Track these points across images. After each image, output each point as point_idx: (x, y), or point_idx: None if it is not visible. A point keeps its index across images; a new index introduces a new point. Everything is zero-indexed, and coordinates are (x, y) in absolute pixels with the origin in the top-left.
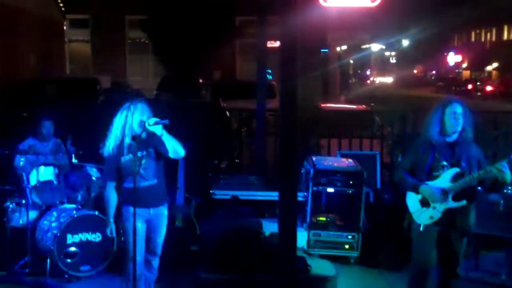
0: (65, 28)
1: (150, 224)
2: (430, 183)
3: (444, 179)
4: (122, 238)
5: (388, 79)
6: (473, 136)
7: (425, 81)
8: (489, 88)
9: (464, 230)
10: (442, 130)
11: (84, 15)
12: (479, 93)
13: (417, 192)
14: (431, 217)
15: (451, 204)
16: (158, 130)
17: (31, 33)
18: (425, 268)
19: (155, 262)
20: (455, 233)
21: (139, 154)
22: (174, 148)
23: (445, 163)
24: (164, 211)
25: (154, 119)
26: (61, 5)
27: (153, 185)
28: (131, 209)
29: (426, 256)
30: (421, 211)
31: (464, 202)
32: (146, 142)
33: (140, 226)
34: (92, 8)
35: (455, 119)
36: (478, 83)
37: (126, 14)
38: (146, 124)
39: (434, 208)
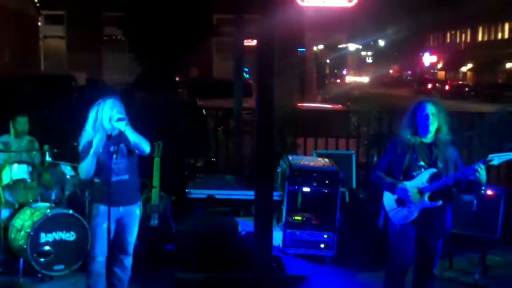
0: (40, 24)
1: (121, 223)
2: (407, 183)
3: (421, 179)
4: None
5: (364, 79)
6: (449, 136)
7: (400, 81)
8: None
9: (440, 230)
10: (416, 131)
11: (60, 11)
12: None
13: (394, 192)
14: (406, 217)
15: (427, 204)
16: (121, 126)
17: (5, 29)
18: (401, 267)
19: (128, 261)
20: (431, 232)
21: (111, 149)
22: (137, 144)
23: (422, 163)
24: (136, 210)
25: (117, 115)
26: (35, 0)
27: (124, 180)
28: (101, 207)
29: (402, 255)
30: (397, 210)
31: (439, 203)
32: (118, 137)
33: (105, 226)
34: (68, 3)
35: (427, 120)
36: (437, 84)
37: (102, 10)
38: (112, 120)
39: (410, 207)
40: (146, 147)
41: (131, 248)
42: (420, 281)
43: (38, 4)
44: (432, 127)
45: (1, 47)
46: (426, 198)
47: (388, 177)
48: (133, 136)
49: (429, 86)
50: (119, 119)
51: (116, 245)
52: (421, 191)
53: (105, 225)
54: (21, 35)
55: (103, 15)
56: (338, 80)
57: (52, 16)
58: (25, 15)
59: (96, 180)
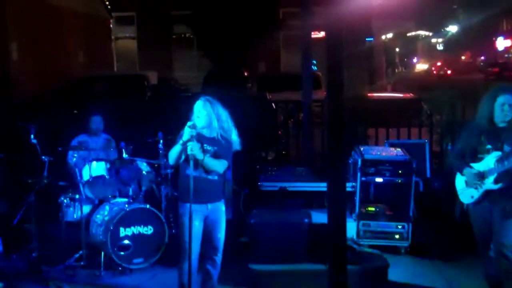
0: (111, 25)
1: (209, 220)
2: (475, 165)
3: (487, 162)
4: (174, 231)
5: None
6: None
7: (473, 67)
8: None
9: (508, 210)
10: (492, 118)
11: (130, 12)
12: None
13: (462, 174)
14: (472, 197)
15: (491, 186)
16: (200, 155)
17: (79, 32)
18: (481, 244)
19: (218, 258)
20: (496, 213)
21: (209, 147)
22: (214, 170)
23: (489, 146)
24: (221, 206)
25: (191, 122)
26: (107, 3)
27: (212, 180)
28: (188, 204)
29: (478, 233)
30: (463, 190)
31: (501, 185)
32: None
33: (198, 224)
34: (137, 4)
35: (507, 110)
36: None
37: (170, 9)
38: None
39: (476, 188)
40: (220, 169)
41: (221, 245)
42: (495, 260)
43: (109, 7)
44: (508, 118)
45: (76, 49)
46: (491, 180)
47: (459, 160)
48: (210, 164)
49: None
50: (190, 126)
51: (206, 242)
52: (486, 174)
53: (196, 223)
54: (94, 37)
55: (172, 14)
56: (409, 69)
57: (123, 18)
58: (97, 17)
59: (186, 172)
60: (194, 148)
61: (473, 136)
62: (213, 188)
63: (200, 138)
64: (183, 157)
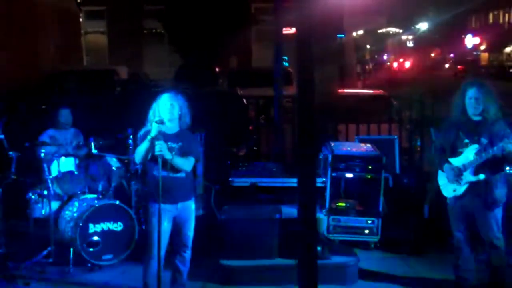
0: (81, 20)
1: (179, 219)
2: (456, 159)
3: (466, 155)
4: (143, 226)
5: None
6: (499, 114)
7: (442, 64)
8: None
9: (490, 201)
10: (465, 111)
11: (100, 6)
12: None
13: (442, 170)
14: (454, 190)
15: (470, 178)
16: (168, 155)
17: (49, 26)
18: (460, 240)
19: (188, 254)
20: (478, 206)
21: (173, 145)
22: (181, 167)
23: (467, 140)
24: (191, 205)
25: (157, 117)
26: None
27: (181, 178)
28: (157, 205)
29: (457, 229)
30: (446, 185)
31: (481, 176)
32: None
33: (166, 224)
34: None
35: (474, 103)
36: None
37: (141, 4)
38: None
39: (457, 182)
40: (188, 168)
41: (190, 242)
42: (483, 253)
43: (79, 1)
44: (478, 110)
45: (45, 43)
46: (469, 172)
47: (438, 156)
48: (178, 163)
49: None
50: (157, 121)
51: (175, 239)
52: (465, 167)
53: (165, 223)
54: (63, 31)
55: (143, 8)
56: (378, 65)
57: (93, 12)
58: (67, 11)
59: (154, 173)
60: (162, 148)
61: (451, 131)
62: (183, 187)
63: (165, 137)
64: (149, 155)
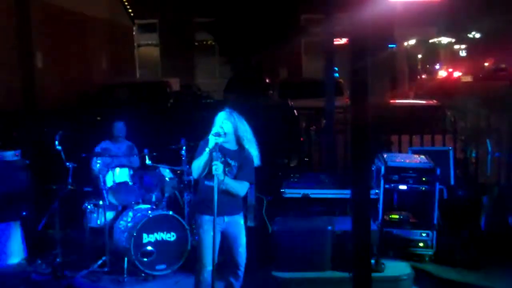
0: (134, 33)
1: (227, 233)
2: None
3: None
4: (196, 237)
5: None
6: None
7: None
8: None
9: None
10: None
11: (152, 20)
12: None
13: None
14: None
15: None
16: (221, 176)
17: (102, 39)
18: None
19: (241, 271)
20: None
21: (231, 162)
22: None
23: None
24: (240, 220)
25: (215, 130)
26: (130, 10)
27: (230, 192)
28: (206, 217)
29: None
30: None
31: None
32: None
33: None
34: (160, 12)
35: None
36: None
37: (192, 16)
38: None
39: None
40: (242, 193)
41: (242, 259)
42: None
43: (132, 14)
44: None
45: (99, 56)
46: None
47: None
48: (232, 187)
49: None
50: (214, 134)
51: (229, 256)
52: None
53: (212, 233)
54: (117, 44)
55: (194, 21)
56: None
57: (145, 25)
58: (120, 25)
59: (206, 183)
60: (218, 169)
61: None
62: (231, 201)
63: (223, 151)
64: (206, 170)
